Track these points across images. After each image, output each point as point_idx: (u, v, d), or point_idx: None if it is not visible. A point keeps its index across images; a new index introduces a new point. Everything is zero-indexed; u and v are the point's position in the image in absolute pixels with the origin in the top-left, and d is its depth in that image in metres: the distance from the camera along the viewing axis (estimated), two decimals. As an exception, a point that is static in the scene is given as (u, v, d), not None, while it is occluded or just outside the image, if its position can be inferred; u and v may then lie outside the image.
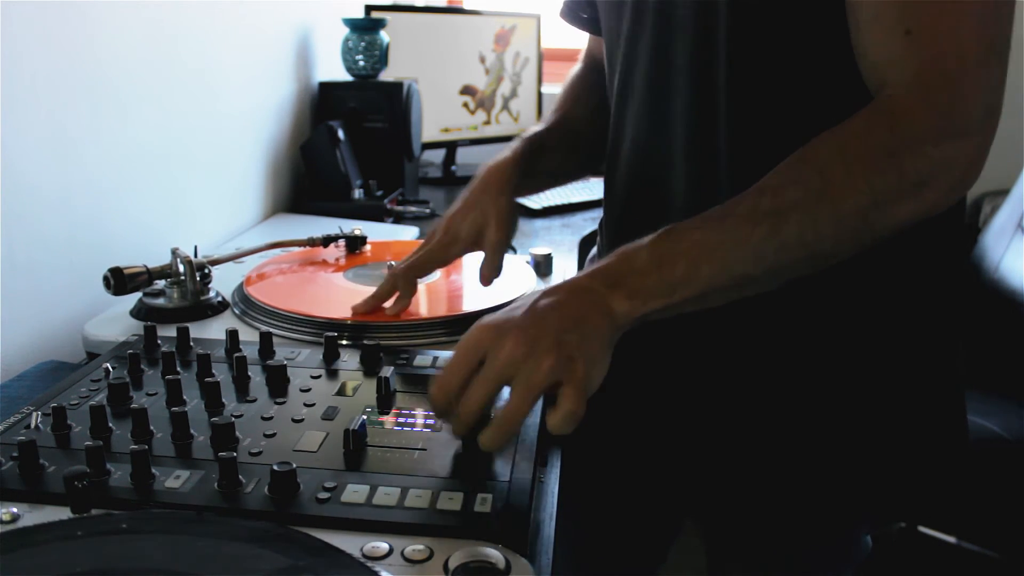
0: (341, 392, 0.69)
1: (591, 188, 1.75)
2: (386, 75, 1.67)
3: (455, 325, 0.83)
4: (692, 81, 0.74)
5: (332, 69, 1.70)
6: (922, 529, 1.70)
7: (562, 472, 0.67)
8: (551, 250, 1.03)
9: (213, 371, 0.70)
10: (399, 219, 1.48)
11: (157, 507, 0.52)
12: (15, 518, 0.51)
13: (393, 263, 0.93)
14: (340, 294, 0.91)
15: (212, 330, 0.84)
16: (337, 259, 1.04)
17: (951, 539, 1.68)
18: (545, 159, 0.88)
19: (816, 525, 0.80)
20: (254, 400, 0.67)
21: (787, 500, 0.78)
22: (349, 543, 0.48)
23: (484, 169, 0.85)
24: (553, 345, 0.55)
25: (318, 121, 1.59)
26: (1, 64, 0.81)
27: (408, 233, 1.35)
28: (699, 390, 0.80)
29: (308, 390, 0.69)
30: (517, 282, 0.93)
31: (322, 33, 1.68)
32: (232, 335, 0.76)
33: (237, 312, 0.88)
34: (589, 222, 1.57)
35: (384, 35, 1.65)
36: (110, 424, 0.61)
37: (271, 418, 0.64)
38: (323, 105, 1.63)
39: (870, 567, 0.87)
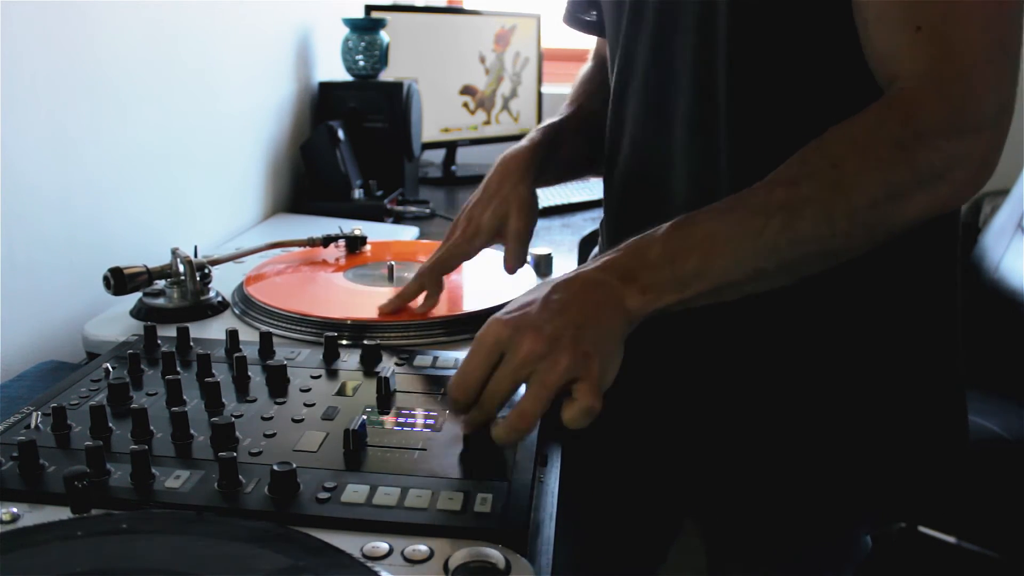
0: (341, 392, 0.68)
1: (591, 188, 1.75)
2: (386, 75, 1.67)
3: (455, 325, 0.83)
4: (692, 80, 0.74)
5: (332, 69, 1.70)
6: (922, 529, 1.70)
7: (562, 472, 0.67)
8: (551, 250, 1.03)
9: (213, 371, 0.70)
10: (399, 219, 1.48)
11: (157, 507, 0.52)
12: (15, 518, 0.51)
13: (394, 263, 0.93)
14: (340, 294, 0.91)
15: (212, 330, 0.84)
16: (337, 259, 1.04)
17: (951, 539, 1.68)
18: (563, 148, 0.87)
19: (816, 525, 0.80)
20: (254, 400, 0.67)
21: (787, 500, 0.78)
22: (349, 543, 0.48)
23: (502, 159, 0.84)
24: (569, 343, 0.56)
25: (318, 121, 1.59)
26: (1, 64, 0.81)
27: (408, 233, 1.35)
28: (699, 390, 0.80)
29: (308, 390, 0.69)
30: (517, 282, 0.93)
31: (322, 33, 1.68)
32: (232, 335, 0.76)
33: (237, 312, 0.88)
34: (589, 222, 1.57)
35: (384, 35, 1.65)
36: (110, 424, 0.61)
37: (271, 418, 0.64)
38: (323, 105, 1.63)
39: (870, 567, 0.87)
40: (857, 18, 0.64)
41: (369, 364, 0.73)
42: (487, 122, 2.07)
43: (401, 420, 0.64)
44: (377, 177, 1.55)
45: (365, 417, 0.63)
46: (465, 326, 0.82)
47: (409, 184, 1.66)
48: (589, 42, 1.01)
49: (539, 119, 2.16)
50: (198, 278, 0.89)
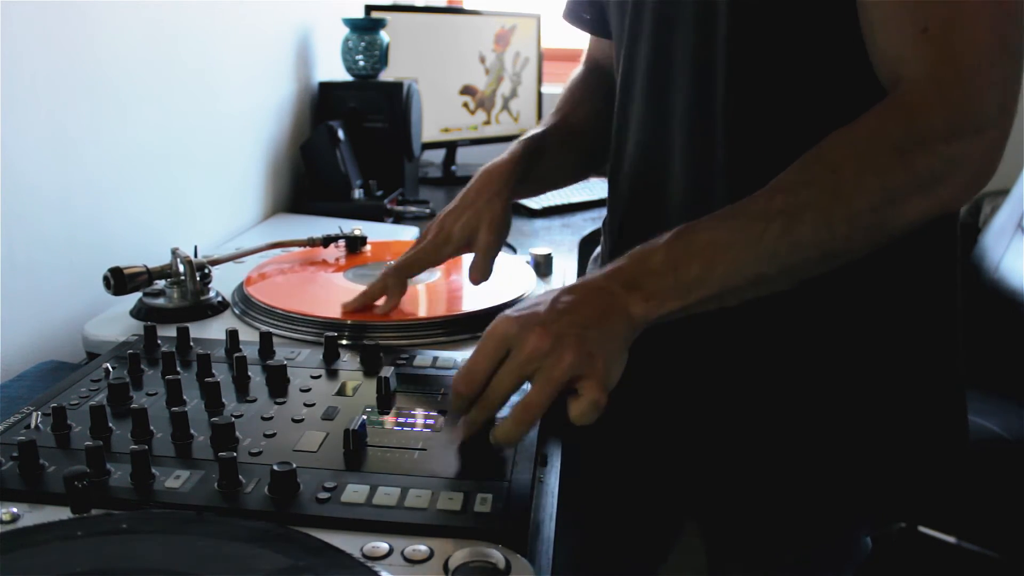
0: (341, 392, 0.68)
1: (591, 188, 1.75)
2: (386, 75, 1.68)
3: (455, 325, 0.83)
4: (691, 81, 0.74)
5: (332, 69, 1.70)
6: (922, 529, 1.70)
7: (562, 472, 0.67)
8: (551, 250, 1.03)
9: (213, 371, 0.70)
10: (399, 219, 1.48)
11: (157, 507, 0.52)
12: (15, 518, 0.51)
13: (393, 263, 0.93)
14: (340, 294, 0.91)
15: (212, 330, 0.84)
16: (337, 259, 1.04)
17: (951, 539, 1.68)
18: (543, 162, 0.88)
19: (816, 525, 0.80)
20: (254, 400, 0.67)
21: (787, 500, 0.78)
22: (349, 543, 0.48)
23: (481, 171, 0.85)
24: (575, 341, 0.57)
25: (318, 121, 1.59)
26: (1, 64, 0.81)
27: (408, 233, 1.35)
28: (699, 390, 0.80)
29: (308, 390, 0.69)
30: (517, 282, 0.93)
31: (322, 33, 1.68)
32: (232, 335, 0.76)
33: (237, 312, 0.88)
34: (589, 222, 1.57)
35: (384, 35, 1.65)
36: (110, 424, 0.61)
37: (271, 418, 0.64)
38: (323, 105, 1.63)
39: (870, 567, 0.87)
40: (862, 20, 0.64)
41: (369, 364, 0.73)
42: (487, 122, 2.07)
43: (401, 420, 0.64)
44: (377, 177, 1.55)
45: (365, 417, 0.63)
46: (465, 326, 0.83)
47: (409, 184, 1.66)
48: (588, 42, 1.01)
49: (539, 119, 2.16)
50: (198, 278, 0.89)
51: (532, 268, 1.00)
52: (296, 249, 1.05)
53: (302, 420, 0.63)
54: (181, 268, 0.88)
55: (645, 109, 0.80)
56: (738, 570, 0.85)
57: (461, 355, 0.74)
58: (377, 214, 1.44)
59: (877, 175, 0.60)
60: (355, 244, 1.06)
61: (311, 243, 1.05)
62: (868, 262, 0.64)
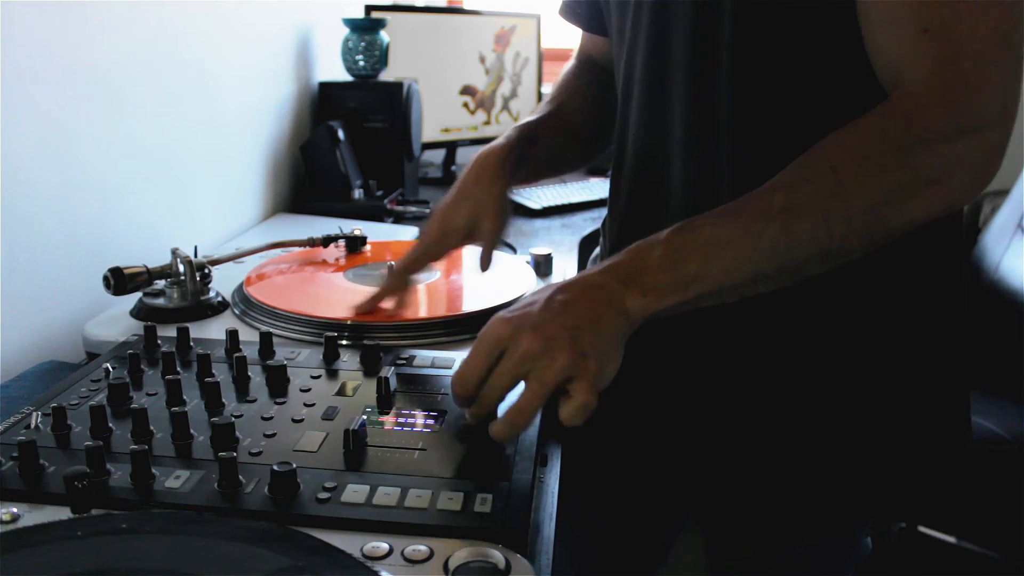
0: (341, 392, 0.68)
1: (591, 188, 1.75)
2: (386, 75, 1.68)
3: (455, 325, 0.83)
4: (690, 80, 0.73)
5: (332, 69, 1.70)
6: (922, 529, 1.70)
7: (562, 472, 0.67)
8: (551, 250, 1.04)
9: (213, 371, 0.70)
10: (399, 219, 1.48)
11: (157, 507, 0.52)
12: (15, 518, 0.51)
13: (393, 263, 0.93)
14: (340, 294, 0.91)
15: (212, 330, 0.84)
16: (337, 259, 1.04)
17: (951, 539, 1.68)
18: (539, 147, 0.87)
19: (817, 524, 0.80)
20: (254, 400, 0.67)
21: (788, 499, 0.78)
22: (349, 543, 0.48)
23: (476, 158, 0.83)
24: (567, 343, 0.57)
25: (318, 121, 1.59)
26: (1, 64, 0.81)
27: (408, 233, 1.35)
28: (699, 389, 0.79)
29: (308, 390, 0.69)
30: (517, 282, 0.93)
31: (322, 33, 1.68)
32: (232, 335, 0.76)
33: (237, 312, 0.88)
34: (589, 222, 1.57)
35: (384, 35, 1.65)
36: (110, 424, 0.61)
37: (271, 418, 0.64)
38: (323, 105, 1.63)
39: (870, 567, 0.87)
40: (862, 20, 0.64)
41: (369, 364, 0.73)
42: (487, 122, 2.07)
43: (401, 420, 0.64)
44: (377, 177, 1.55)
45: (365, 417, 0.63)
46: (465, 326, 0.83)
47: (409, 184, 1.66)
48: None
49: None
50: (198, 278, 0.89)
51: (532, 268, 1.00)
52: (296, 249, 1.05)
53: (302, 420, 0.63)
54: (181, 268, 0.88)
55: (644, 109, 0.80)
56: (738, 570, 0.85)
57: (461, 355, 0.74)
58: (377, 214, 1.44)
59: (877, 175, 0.60)
60: (355, 244, 1.06)
61: (311, 243, 1.05)
62: (872, 260, 0.64)
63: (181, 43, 1.13)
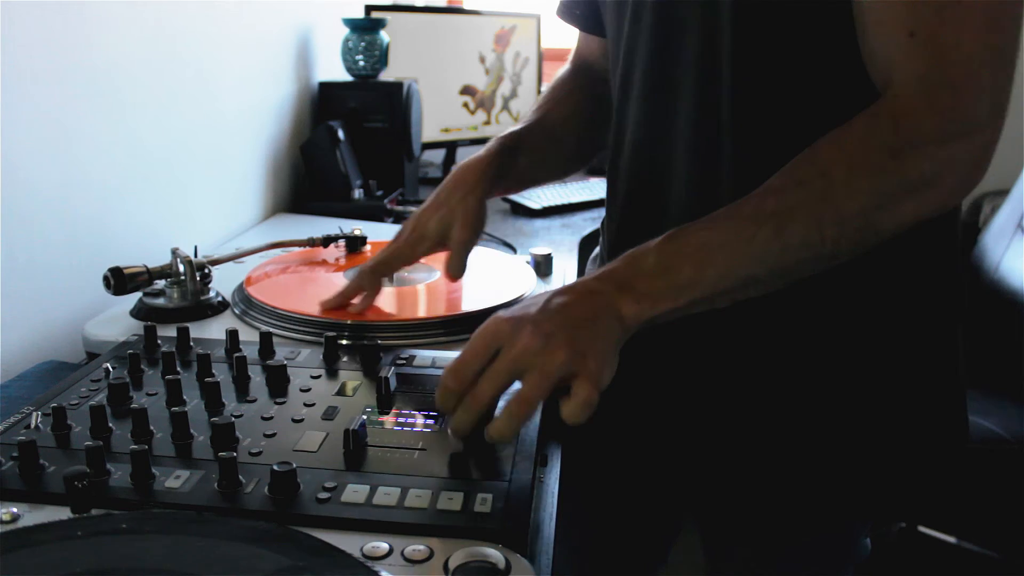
0: (341, 392, 0.68)
1: (591, 188, 1.75)
2: (386, 75, 1.68)
3: (454, 325, 0.83)
4: (696, 79, 0.73)
5: (332, 69, 1.70)
6: (922, 529, 1.70)
7: (562, 472, 0.67)
8: (551, 250, 1.03)
9: (213, 371, 0.70)
10: (399, 219, 1.48)
11: (157, 507, 0.52)
12: (15, 518, 0.51)
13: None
14: (340, 294, 0.91)
15: (212, 330, 0.84)
16: (337, 259, 1.04)
17: (951, 539, 1.68)
18: (520, 160, 0.88)
19: (816, 524, 0.80)
20: (254, 400, 0.67)
21: (787, 499, 0.78)
22: (349, 543, 0.48)
23: (457, 168, 0.85)
24: (565, 340, 0.57)
25: (318, 121, 1.59)
26: (1, 64, 0.81)
27: (408, 233, 1.34)
28: (699, 390, 0.79)
29: (308, 390, 0.69)
30: (517, 282, 0.93)
31: (322, 33, 1.68)
32: (232, 335, 0.76)
33: (237, 312, 0.88)
34: (589, 222, 1.57)
35: (384, 35, 1.65)
36: (110, 424, 0.61)
37: (271, 418, 0.64)
38: (323, 105, 1.63)
39: (870, 567, 0.87)
40: (856, 22, 0.64)
41: (369, 364, 0.73)
42: (487, 122, 2.07)
43: (401, 420, 0.64)
44: (377, 177, 1.55)
45: (365, 417, 0.63)
46: (465, 326, 0.82)
47: (409, 184, 1.66)
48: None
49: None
50: (198, 278, 0.89)
51: (532, 268, 1.00)
52: (296, 249, 1.05)
53: (302, 420, 0.63)
54: (181, 268, 0.88)
55: (643, 108, 0.79)
56: (738, 570, 0.85)
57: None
58: (377, 214, 1.44)
59: (867, 178, 0.60)
60: (355, 244, 1.06)
61: (311, 243, 1.05)
62: (868, 260, 0.64)
63: (181, 43, 1.13)
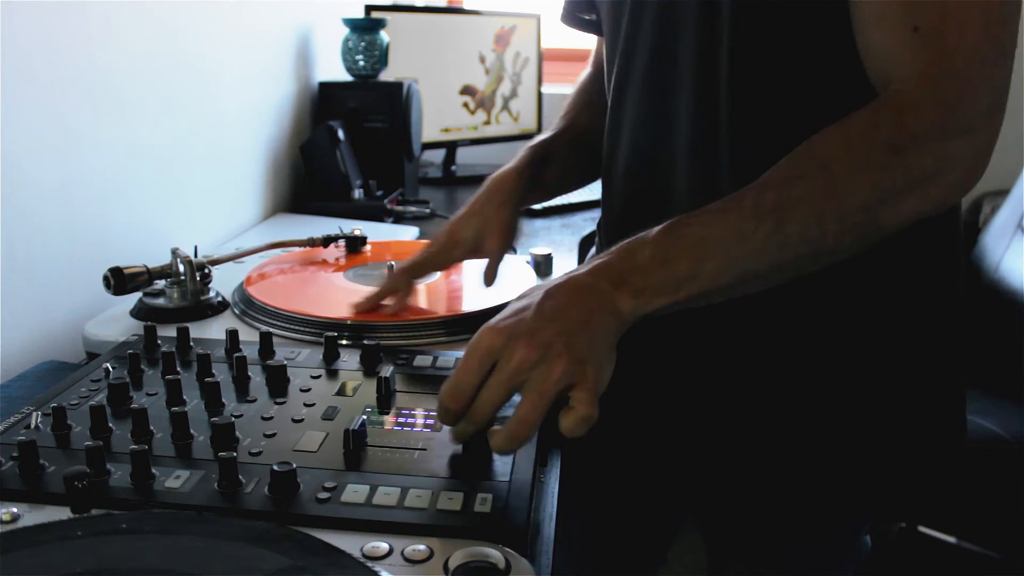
0: (341, 392, 0.68)
1: (591, 188, 1.73)
2: (386, 75, 1.68)
3: (455, 325, 0.83)
4: (695, 80, 0.73)
5: (332, 69, 1.70)
6: (922, 529, 1.70)
7: (562, 472, 0.67)
8: (551, 250, 1.04)
9: (213, 371, 0.70)
10: (399, 219, 1.48)
11: (157, 507, 0.52)
12: (15, 518, 0.51)
13: (394, 263, 0.93)
14: (340, 294, 0.91)
15: (212, 330, 0.84)
16: (337, 259, 1.04)
17: (951, 539, 1.68)
18: (551, 168, 0.90)
19: (816, 524, 0.80)
20: (254, 400, 0.67)
21: (787, 499, 0.78)
22: (349, 543, 0.48)
23: (490, 180, 0.87)
24: (563, 350, 0.55)
25: (318, 121, 1.59)
26: (2, 63, 0.81)
27: (408, 233, 1.35)
28: (699, 389, 0.79)
29: (308, 390, 0.69)
30: (517, 282, 0.93)
31: (322, 33, 1.68)
32: (232, 335, 0.76)
33: (237, 312, 0.88)
34: (589, 222, 1.57)
35: (384, 35, 1.65)
36: (110, 424, 0.61)
37: (271, 418, 0.64)
38: (323, 105, 1.63)
39: (870, 567, 0.87)
40: (854, 19, 0.64)
41: (369, 364, 0.73)
42: (487, 122, 2.07)
43: (401, 420, 0.64)
44: (377, 177, 1.55)
45: (365, 417, 0.63)
46: (465, 326, 0.83)
47: (409, 184, 1.66)
48: (590, 41, 1.01)
49: (539, 119, 2.16)
50: (198, 278, 0.89)
51: (532, 268, 1.00)
52: (296, 249, 1.05)
53: (302, 420, 0.63)
54: (181, 268, 0.88)
55: (642, 109, 0.79)
56: (738, 570, 0.85)
57: (461, 355, 0.74)
58: (377, 214, 1.44)
59: (869, 173, 0.60)
60: (355, 244, 1.06)
61: (311, 243, 1.05)
62: (869, 257, 0.64)
63: (181, 43, 1.13)
